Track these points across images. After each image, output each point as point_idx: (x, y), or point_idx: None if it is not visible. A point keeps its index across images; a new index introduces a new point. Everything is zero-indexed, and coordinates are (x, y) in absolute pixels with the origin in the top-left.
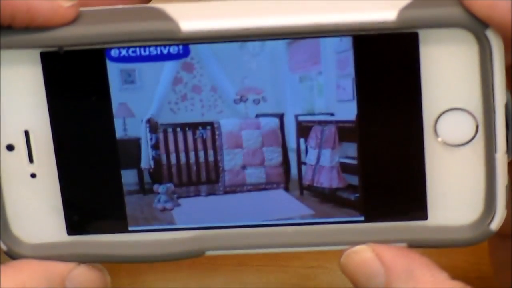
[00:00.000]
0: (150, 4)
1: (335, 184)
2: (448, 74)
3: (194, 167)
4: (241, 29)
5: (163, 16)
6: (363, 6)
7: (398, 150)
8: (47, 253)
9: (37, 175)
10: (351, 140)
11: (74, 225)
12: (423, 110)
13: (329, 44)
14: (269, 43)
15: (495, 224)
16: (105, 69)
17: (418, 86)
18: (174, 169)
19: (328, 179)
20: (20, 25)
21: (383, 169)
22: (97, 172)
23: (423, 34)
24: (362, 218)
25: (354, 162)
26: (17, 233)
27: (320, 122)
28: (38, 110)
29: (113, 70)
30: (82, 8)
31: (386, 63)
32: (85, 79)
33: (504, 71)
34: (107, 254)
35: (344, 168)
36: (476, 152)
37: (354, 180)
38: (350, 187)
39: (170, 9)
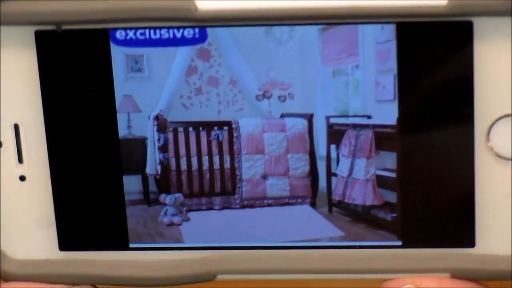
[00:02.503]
0: None
1: (369, 201)
2: (505, 73)
3: (208, 175)
4: (267, 10)
5: None
6: None
7: (444, 163)
8: (36, 271)
9: (27, 177)
10: (390, 148)
11: (68, 240)
12: (475, 116)
13: (368, 32)
14: (299, 29)
15: None
16: (108, 53)
17: (471, 87)
18: (184, 177)
19: (361, 195)
20: None
21: (426, 185)
22: (95, 177)
23: (478, 24)
24: (400, 243)
25: (393, 175)
26: (3, 247)
27: (355, 126)
28: (30, 101)
29: (118, 55)
30: None
31: (434, 57)
32: (85, 65)
33: None
34: (104, 275)
35: (381, 182)
36: None
37: (392, 197)
38: (387, 205)
39: None
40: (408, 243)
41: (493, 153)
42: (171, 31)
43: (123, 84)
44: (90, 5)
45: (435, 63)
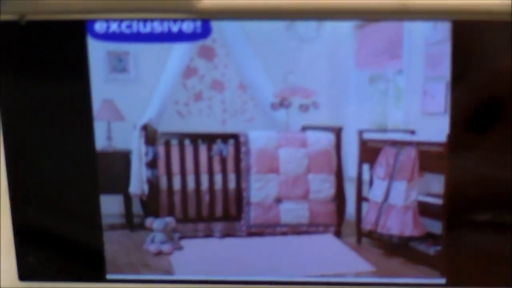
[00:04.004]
0: None
1: (408, 231)
2: None
3: (207, 196)
4: (289, 3)
5: None
6: None
7: (503, 190)
8: None
9: None
10: (438, 170)
11: (29, 268)
12: None
13: (417, 30)
14: (329, 25)
15: None
16: (84, 49)
17: None
18: (177, 198)
19: (398, 224)
20: None
21: (479, 215)
22: (65, 196)
23: None
24: (443, 281)
25: (439, 202)
26: None
27: (394, 143)
28: None
29: (97, 51)
30: None
31: (499, 63)
32: (55, 64)
33: None
34: None
35: (424, 209)
36: None
37: (437, 227)
38: (429, 237)
39: None
40: (453, 282)
41: None
42: (165, 24)
43: (103, 86)
44: None
45: (500, 71)
